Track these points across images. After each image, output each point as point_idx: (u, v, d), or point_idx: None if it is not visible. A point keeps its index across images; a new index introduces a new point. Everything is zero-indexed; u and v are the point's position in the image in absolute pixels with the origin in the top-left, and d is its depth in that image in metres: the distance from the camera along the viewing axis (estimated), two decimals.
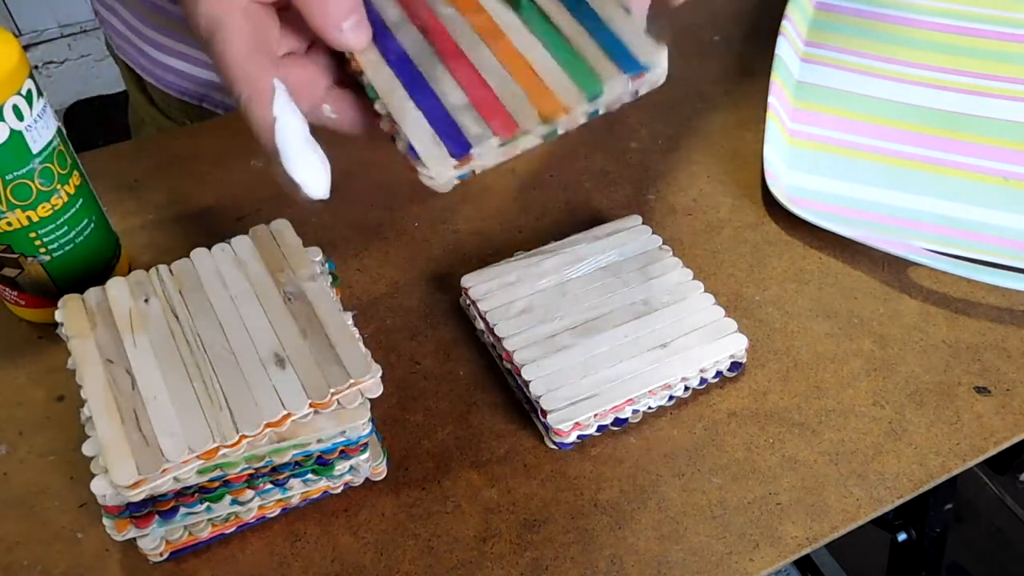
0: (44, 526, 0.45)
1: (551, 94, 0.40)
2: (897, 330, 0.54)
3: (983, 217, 0.59)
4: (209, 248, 0.48)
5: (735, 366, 0.51)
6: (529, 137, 0.39)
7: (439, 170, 0.39)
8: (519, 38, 0.41)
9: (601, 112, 0.40)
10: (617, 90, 0.39)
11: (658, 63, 0.39)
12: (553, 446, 0.48)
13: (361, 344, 0.44)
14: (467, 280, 0.52)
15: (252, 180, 0.62)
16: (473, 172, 0.40)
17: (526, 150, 0.40)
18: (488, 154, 0.39)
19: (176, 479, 0.40)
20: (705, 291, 0.52)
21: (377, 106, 0.41)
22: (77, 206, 0.49)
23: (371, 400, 0.43)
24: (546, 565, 0.44)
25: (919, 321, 0.54)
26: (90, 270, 0.52)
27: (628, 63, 0.39)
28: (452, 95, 0.40)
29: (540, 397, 0.47)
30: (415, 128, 0.40)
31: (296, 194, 0.41)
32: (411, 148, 0.39)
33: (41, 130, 0.46)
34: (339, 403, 0.42)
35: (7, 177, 0.46)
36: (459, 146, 0.39)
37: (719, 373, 0.50)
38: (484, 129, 0.39)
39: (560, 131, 0.40)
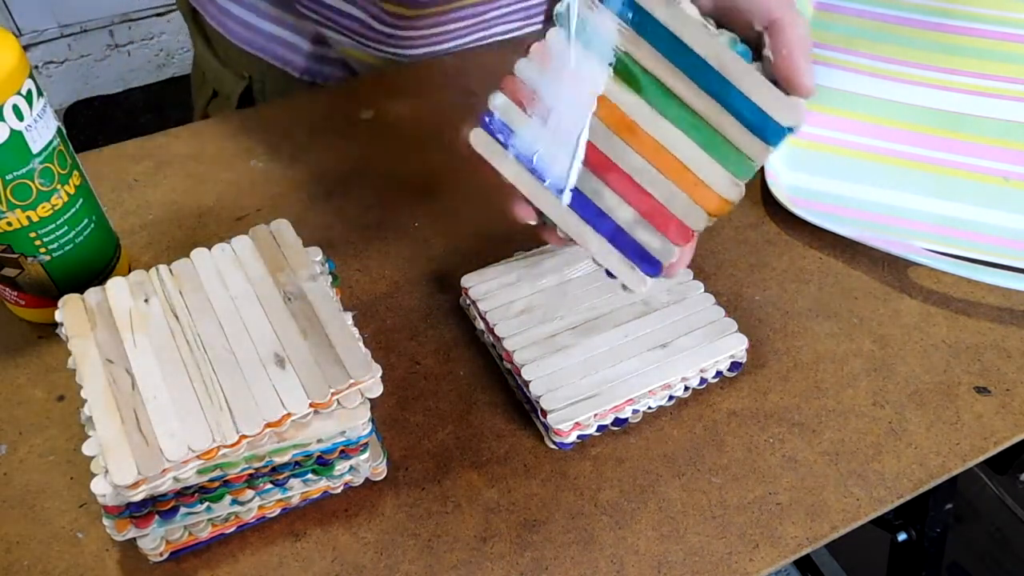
0: (44, 526, 0.45)
1: (709, 190, 0.41)
2: (897, 330, 0.54)
3: (983, 217, 0.59)
4: (209, 248, 0.48)
5: (735, 366, 0.51)
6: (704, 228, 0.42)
7: (641, 288, 0.42)
8: (658, 129, 0.41)
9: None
10: (766, 157, 0.40)
11: (800, 120, 0.39)
12: (553, 446, 0.48)
13: (361, 344, 0.44)
14: (467, 280, 0.52)
15: (252, 180, 0.62)
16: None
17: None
18: (674, 258, 0.42)
19: (176, 479, 0.40)
20: (705, 291, 0.52)
21: (559, 232, 0.43)
22: (77, 206, 0.49)
23: (371, 400, 0.43)
24: (546, 565, 0.44)
25: (919, 321, 0.54)
26: (90, 270, 0.52)
27: (773, 132, 0.39)
28: (620, 211, 0.42)
29: (540, 397, 0.47)
30: (604, 255, 0.43)
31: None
32: (608, 273, 0.43)
33: (41, 130, 0.46)
34: (339, 403, 0.42)
35: (7, 177, 0.46)
36: (651, 267, 0.42)
37: (719, 373, 0.50)
38: (665, 243, 0.42)
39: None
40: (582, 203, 0.42)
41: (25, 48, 2.02)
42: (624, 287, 0.43)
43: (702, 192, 0.41)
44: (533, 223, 0.44)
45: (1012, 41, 0.71)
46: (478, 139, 0.43)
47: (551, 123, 0.42)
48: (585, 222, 0.42)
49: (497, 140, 0.43)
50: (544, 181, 0.43)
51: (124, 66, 2.16)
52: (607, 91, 0.41)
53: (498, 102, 0.42)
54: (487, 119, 0.43)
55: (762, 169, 0.60)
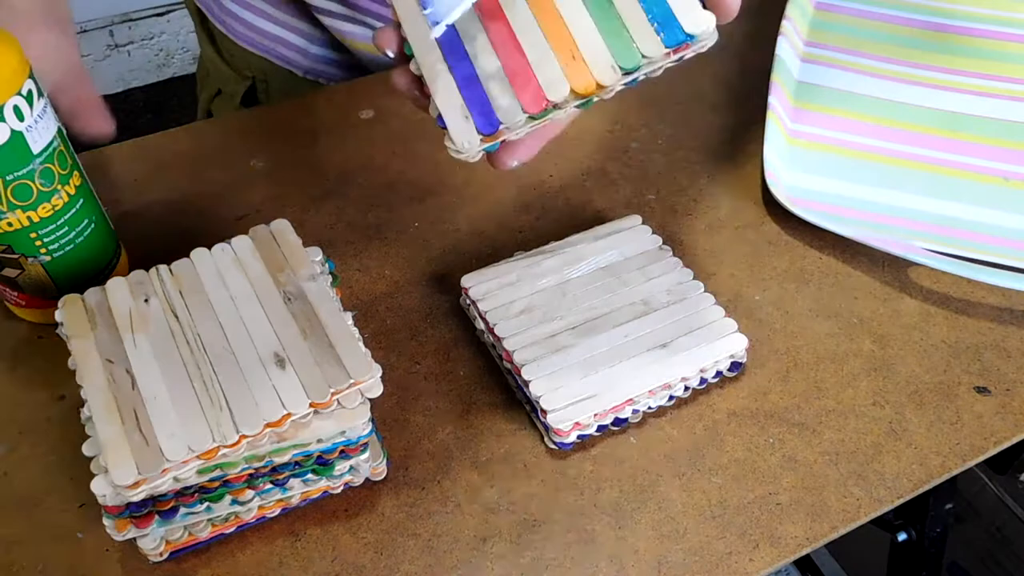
0: (44, 526, 0.45)
1: (586, 68, 0.38)
2: (897, 330, 0.54)
3: (983, 217, 0.59)
4: (209, 248, 0.48)
5: (735, 366, 0.51)
6: (557, 112, 0.38)
7: (466, 144, 0.38)
8: (565, 1, 0.39)
9: (640, 79, 0.39)
10: (656, 62, 0.38)
11: (705, 32, 0.38)
12: (553, 446, 0.48)
13: (361, 344, 0.44)
14: (467, 280, 0.52)
15: (252, 180, 0.62)
16: (502, 142, 0.39)
17: (558, 121, 0.39)
18: (517, 128, 0.38)
19: (176, 479, 0.40)
20: (705, 291, 0.52)
21: (411, 66, 0.40)
22: (78, 206, 0.49)
23: (371, 400, 0.43)
24: (546, 565, 0.44)
25: (919, 321, 0.54)
26: (90, 270, 0.52)
27: (672, 33, 0.38)
28: (484, 59, 0.39)
29: (540, 397, 0.47)
30: (446, 96, 0.39)
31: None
32: (439, 118, 0.39)
33: (42, 131, 0.46)
34: (339, 403, 0.42)
35: (7, 178, 0.46)
36: (488, 123, 0.38)
37: (719, 373, 0.50)
38: (513, 102, 0.38)
39: (595, 101, 0.39)
40: (451, 42, 0.40)
41: None
42: (448, 140, 0.39)
43: (577, 67, 0.38)
44: (391, 55, 0.41)
45: (1012, 41, 0.71)
46: None
47: None
48: (443, 60, 0.39)
49: None
50: (425, 8, 0.40)
51: (124, 66, 2.16)
52: None
53: None
54: None
55: (762, 169, 0.60)
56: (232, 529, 0.44)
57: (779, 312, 0.54)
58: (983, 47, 0.71)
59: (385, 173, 0.63)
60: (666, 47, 0.38)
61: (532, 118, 0.38)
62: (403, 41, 0.40)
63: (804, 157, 0.63)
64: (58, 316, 0.45)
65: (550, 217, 0.60)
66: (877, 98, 0.67)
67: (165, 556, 0.43)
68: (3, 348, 0.53)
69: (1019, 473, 1.01)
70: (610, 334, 0.49)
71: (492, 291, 0.52)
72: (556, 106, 0.38)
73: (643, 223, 0.56)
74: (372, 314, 0.54)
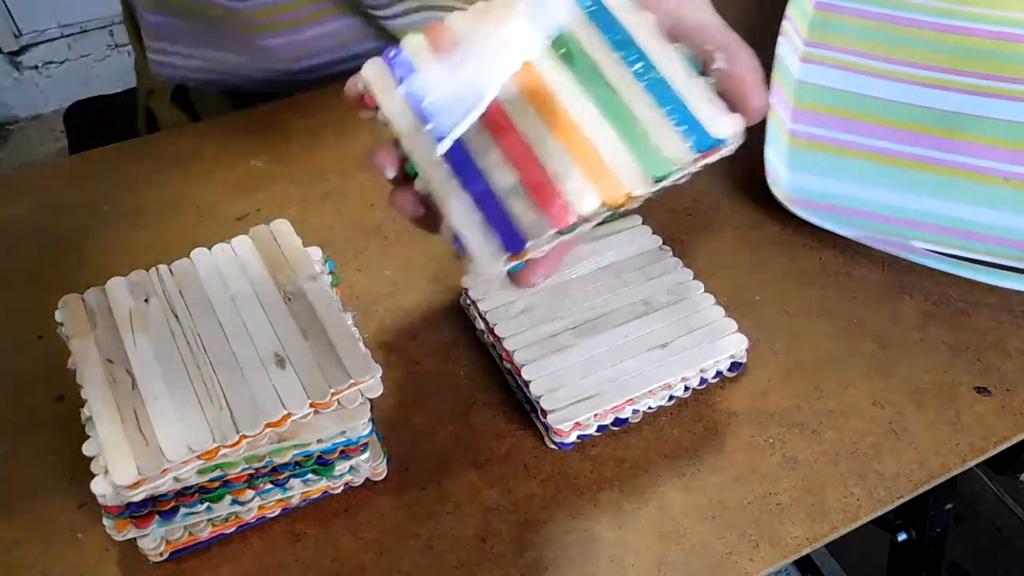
0: (44, 526, 0.45)
1: (614, 178, 0.35)
2: (897, 330, 0.54)
3: (983, 217, 0.59)
4: (209, 248, 0.48)
5: (735, 366, 0.51)
6: (586, 225, 0.35)
7: (489, 267, 0.34)
8: (575, 105, 0.37)
9: (667, 188, 0.37)
10: (685, 168, 0.36)
11: (734, 136, 0.36)
12: (553, 446, 0.48)
13: (361, 344, 0.44)
14: (467, 280, 0.52)
15: (252, 180, 0.62)
16: (527, 262, 0.36)
17: (582, 233, 0.36)
18: (543, 244, 0.35)
19: (176, 479, 0.40)
20: (705, 291, 0.52)
21: (417, 185, 0.37)
22: None
23: (371, 400, 0.43)
24: (546, 565, 0.44)
25: (919, 321, 0.54)
26: None
27: (700, 139, 0.36)
28: (499, 175, 0.36)
29: (540, 397, 0.47)
30: (461, 217, 0.35)
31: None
32: (456, 240, 0.35)
33: None
34: (339, 403, 0.42)
35: None
36: (512, 241, 0.34)
37: (719, 373, 0.50)
38: (539, 217, 0.34)
39: (620, 212, 0.36)
40: (458, 158, 0.36)
41: (25, 48, 2.02)
42: (468, 264, 0.35)
43: (603, 177, 0.35)
44: (390, 176, 0.38)
45: (1012, 41, 0.71)
46: (371, 69, 0.38)
47: (462, 73, 0.37)
48: (453, 177, 0.36)
49: (392, 74, 0.38)
50: (426, 124, 0.37)
51: (124, 66, 2.16)
52: (537, 62, 0.37)
53: (412, 41, 0.38)
54: (391, 53, 0.38)
55: (762, 169, 0.60)
56: (232, 529, 0.44)
57: (779, 312, 0.54)
58: (983, 47, 0.71)
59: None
60: (695, 152, 0.36)
61: (560, 233, 0.35)
62: (403, 160, 0.38)
63: (804, 157, 0.63)
64: (58, 316, 0.45)
65: None
66: (877, 98, 0.67)
67: (165, 556, 0.43)
68: (3, 348, 0.53)
69: (1019, 473, 1.01)
70: (610, 334, 0.49)
71: (492, 291, 0.52)
72: (586, 220, 0.35)
73: (643, 223, 0.56)
74: (372, 314, 0.54)
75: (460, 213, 0.35)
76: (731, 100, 0.37)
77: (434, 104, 0.37)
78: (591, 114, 0.37)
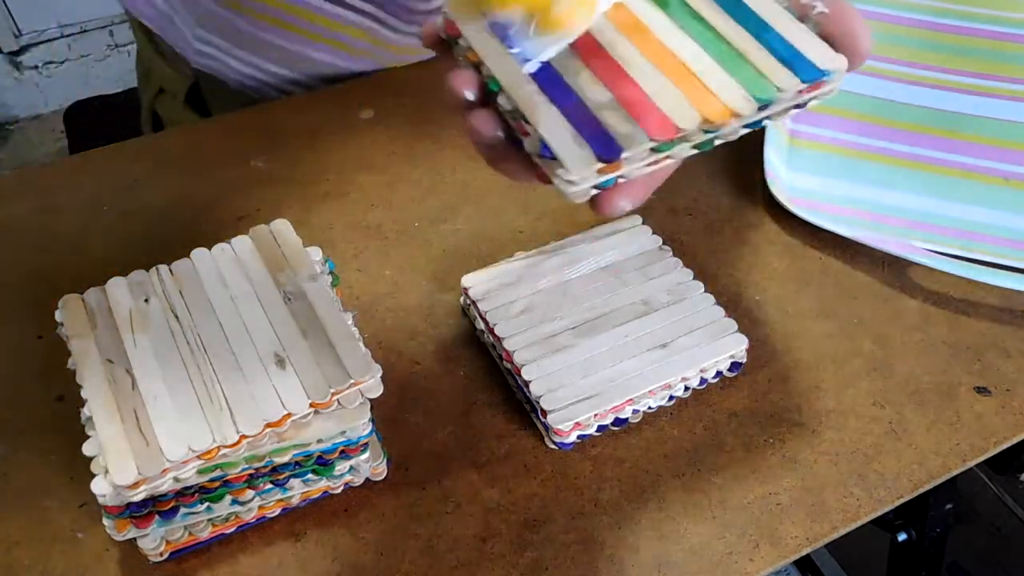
0: (44, 526, 0.45)
1: (714, 96, 0.34)
2: (897, 330, 0.54)
3: (983, 217, 0.59)
4: (209, 248, 0.48)
5: (735, 366, 0.51)
6: (683, 146, 0.34)
7: (581, 173, 0.32)
8: (671, 37, 0.35)
9: (764, 124, 0.35)
10: (790, 97, 0.34)
11: (838, 71, 0.35)
12: (553, 446, 0.48)
13: (361, 344, 0.44)
14: (467, 280, 0.52)
15: (252, 180, 0.62)
16: (617, 181, 0.34)
17: (669, 166, 0.35)
18: (637, 160, 0.33)
19: (176, 479, 0.40)
20: (705, 291, 0.52)
21: (501, 100, 0.35)
22: None
23: (371, 400, 0.43)
24: (546, 565, 0.44)
25: (919, 321, 0.54)
26: None
27: (805, 69, 0.34)
28: (593, 91, 0.34)
29: (540, 397, 0.47)
30: (550, 124, 0.33)
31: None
32: (544, 147, 0.33)
33: None
34: (339, 403, 0.42)
35: None
36: (607, 148, 0.32)
37: (719, 373, 0.50)
38: (636, 129, 0.33)
39: (716, 143, 0.35)
40: (547, 76, 0.34)
41: (25, 48, 2.02)
42: (555, 174, 0.33)
43: (703, 96, 0.34)
44: (470, 96, 0.36)
45: (1012, 41, 0.71)
46: (456, 2, 0.37)
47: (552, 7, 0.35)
48: (543, 91, 0.34)
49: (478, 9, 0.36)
50: (511, 48, 0.35)
51: (124, 66, 2.16)
52: (629, 2, 0.36)
53: None
54: None
55: (762, 169, 0.60)
56: (232, 529, 0.44)
57: (779, 312, 0.54)
58: (983, 47, 0.71)
59: (385, 173, 0.63)
60: (802, 81, 0.34)
61: (656, 149, 0.33)
62: (483, 83, 0.36)
63: (804, 157, 0.63)
64: (58, 316, 0.45)
65: (550, 217, 0.60)
66: (877, 98, 0.67)
67: (165, 556, 0.43)
68: (3, 348, 0.53)
69: (1019, 473, 1.00)
70: (610, 334, 0.49)
71: (492, 291, 0.52)
72: (684, 138, 0.34)
73: (643, 223, 0.56)
74: (372, 314, 0.54)
75: (549, 123, 0.33)
76: (837, 37, 0.36)
77: (520, 32, 0.35)
78: (688, 45, 0.35)
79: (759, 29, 0.36)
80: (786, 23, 0.36)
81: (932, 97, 0.67)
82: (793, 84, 0.34)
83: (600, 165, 0.32)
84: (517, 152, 0.35)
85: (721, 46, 0.35)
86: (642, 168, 0.34)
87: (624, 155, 0.33)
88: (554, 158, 0.33)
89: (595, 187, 0.33)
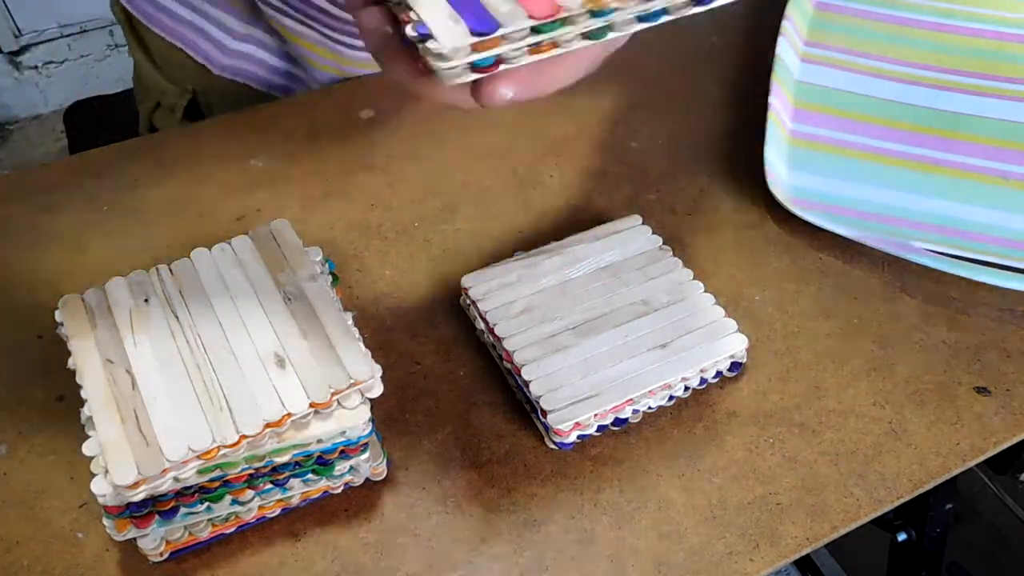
0: (44, 526, 0.45)
1: None
2: (897, 330, 0.54)
3: (983, 217, 0.59)
4: (209, 248, 0.48)
5: (735, 366, 0.51)
6: (568, 31, 0.32)
7: (453, 44, 0.31)
8: None
9: (662, 20, 0.33)
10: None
11: None
12: (553, 446, 0.48)
13: (361, 344, 0.44)
14: (467, 280, 0.52)
15: (252, 180, 0.62)
16: (495, 65, 0.32)
17: (561, 61, 0.33)
18: (516, 40, 0.32)
19: (176, 479, 0.40)
20: (705, 291, 0.52)
21: None
22: None
23: (371, 400, 0.43)
24: (546, 565, 0.44)
25: (919, 321, 0.54)
26: None
27: None
28: None
29: (540, 397, 0.47)
30: (429, 5, 0.32)
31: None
32: (420, 26, 0.32)
33: None
34: (339, 403, 0.42)
35: None
36: (481, 22, 0.31)
37: (719, 373, 0.50)
38: (515, 7, 0.31)
39: (609, 36, 0.33)
40: None
41: (25, 48, 2.02)
42: (431, 44, 0.31)
43: None
44: None
45: (1012, 41, 0.71)
46: None
47: None
48: None
49: None
50: None
51: (124, 66, 2.16)
52: None
53: None
54: None
55: (762, 169, 0.60)
56: (232, 529, 0.44)
57: (779, 312, 0.54)
58: (983, 47, 0.71)
59: (385, 173, 0.63)
60: None
61: (536, 30, 0.32)
62: None
63: (804, 157, 0.63)
64: (58, 316, 0.45)
65: (550, 217, 0.60)
66: (877, 98, 0.67)
67: (165, 556, 0.43)
68: (3, 348, 0.53)
69: (1019, 473, 1.00)
70: (610, 334, 0.49)
71: (492, 291, 0.52)
72: (566, 20, 0.32)
73: (643, 223, 0.56)
74: (372, 314, 0.54)
75: (429, 5, 0.32)
76: None
77: None
78: None
79: None
80: None
81: (932, 97, 0.67)
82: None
83: (474, 40, 0.31)
84: (404, 49, 0.34)
85: None
86: (524, 54, 0.33)
87: (500, 31, 0.31)
88: (429, 34, 0.31)
89: (475, 70, 0.32)
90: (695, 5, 0.34)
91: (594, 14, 0.32)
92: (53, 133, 2.08)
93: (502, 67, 0.32)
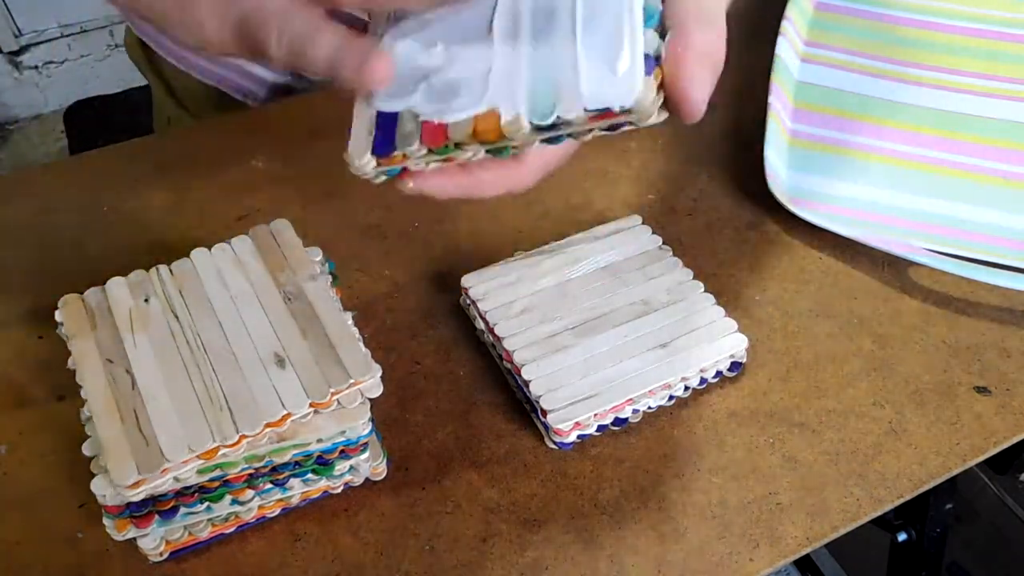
0: (44, 526, 0.45)
1: (493, 113, 0.35)
2: (897, 330, 0.54)
3: (983, 217, 0.59)
4: (209, 248, 0.48)
5: (735, 366, 0.51)
6: (469, 151, 0.35)
7: (358, 160, 0.36)
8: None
9: (565, 140, 0.36)
10: (574, 114, 0.34)
11: (641, 103, 0.33)
12: (553, 446, 0.48)
13: (361, 344, 0.44)
14: (467, 280, 0.52)
15: (252, 180, 0.62)
16: (405, 170, 0.36)
17: (477, 162, 0.36)
18: (418, 158, 0.36)
19: (176, 479, 0.40)
20: (705, 291, 0.52)
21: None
22: None
23: (371, 400, 0.43)
24: (546, 565, 0.44)
25: (919, 321, 0.54)
26: None
27: (599, 98, 0.34)
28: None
29: (540, 397, 0.47)
30: (362, 117, 0.37)
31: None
32: (348, 130, 0.37)
33: None
34: (339, 403, 0.42)
35: None
36: (382, 144, 0.36)
37: (719, 373, 0.50)
38: (415, 130, 0.35)
39: (511, 152, 0.36)
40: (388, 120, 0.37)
41: (25, 48, 2.02)
42: (345, 155, 0.37)
43: (488, 114, 0.35)
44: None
45: (1012, 41, 0.71)
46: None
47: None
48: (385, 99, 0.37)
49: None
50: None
51: (124, 66, 2.16)
52: None
53: None
54: None
55: (762, 169, 0.60)
56: (232, 529, 0.44)
57: (779, 312, 0.54)
58: (983, 47, 0.71)
59: None
60: (586, 111, 0.34)
61: (432, 152, 0.35)
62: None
63: (804, 157, 0.63)
64: (58, 316, 0.45)
65: (550, 217, 0.60)
66: (877, 98, 0.67)
67: (165, 556, 0.43)
68: (3, 348, 0.53)
69: (1019, 473, 1.00)
70: (610, 334, 0.49)
71: (492, 291, 0.52)
72: (458, 145, 0.35)
73: (643, 223, 0.56)
74: (372, 314, 0.54)
75: (364, 115, 0.37)
76: (666, 78, 0.34)
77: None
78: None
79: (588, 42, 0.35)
80: (627, 41, 0.34)
81: (932, 97, 0.67)
82: (577, 112, 0.34)
83: (375, 157, 0.36)
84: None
85: (546, 55, 0.35)
86: (431, 163, 0.36)
87: (395, 153, 0.35)
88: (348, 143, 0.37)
89: (386, 173, 0.37)
90: (607, 131, 0.36)
91: (488, 151, 0.36)
92: (53, 133, 2.08)
93: (409, 167, 0.36)
